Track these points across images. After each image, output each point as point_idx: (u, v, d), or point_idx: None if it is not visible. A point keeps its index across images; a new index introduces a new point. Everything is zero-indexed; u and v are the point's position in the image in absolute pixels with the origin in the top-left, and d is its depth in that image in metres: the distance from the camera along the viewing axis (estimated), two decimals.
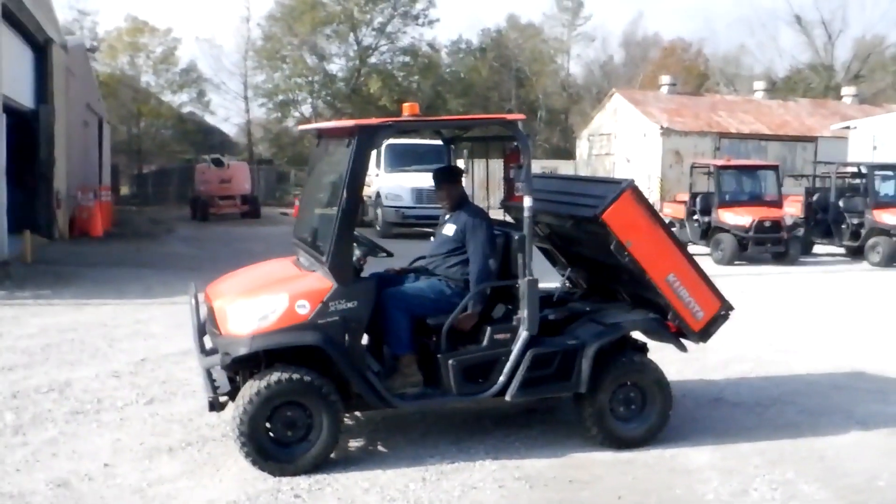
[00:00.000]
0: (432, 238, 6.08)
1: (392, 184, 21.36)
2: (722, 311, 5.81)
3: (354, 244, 5.27)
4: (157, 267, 15.04)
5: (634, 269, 5.61)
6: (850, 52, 57.86)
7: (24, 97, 17.86)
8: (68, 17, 44.42)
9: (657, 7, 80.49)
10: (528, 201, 5.37)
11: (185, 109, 51.22)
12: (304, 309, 5.08)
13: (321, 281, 5.23)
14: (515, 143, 5.76)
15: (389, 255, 5.73)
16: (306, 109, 49.60)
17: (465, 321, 5.44)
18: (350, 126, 5.36)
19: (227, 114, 70.80)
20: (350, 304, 5.12)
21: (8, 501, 4.66)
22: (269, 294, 5.21)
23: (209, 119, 53.40)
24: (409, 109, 5.43)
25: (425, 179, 20.71)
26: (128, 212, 31.88)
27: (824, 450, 5.68)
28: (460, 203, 5.82)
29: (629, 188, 5.49)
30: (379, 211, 21.64)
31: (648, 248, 5.56)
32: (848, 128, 31.92)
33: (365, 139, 5.21)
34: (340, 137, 5.90)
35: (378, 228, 21.49)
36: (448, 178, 5.89)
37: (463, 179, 6.00)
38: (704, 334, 5.83)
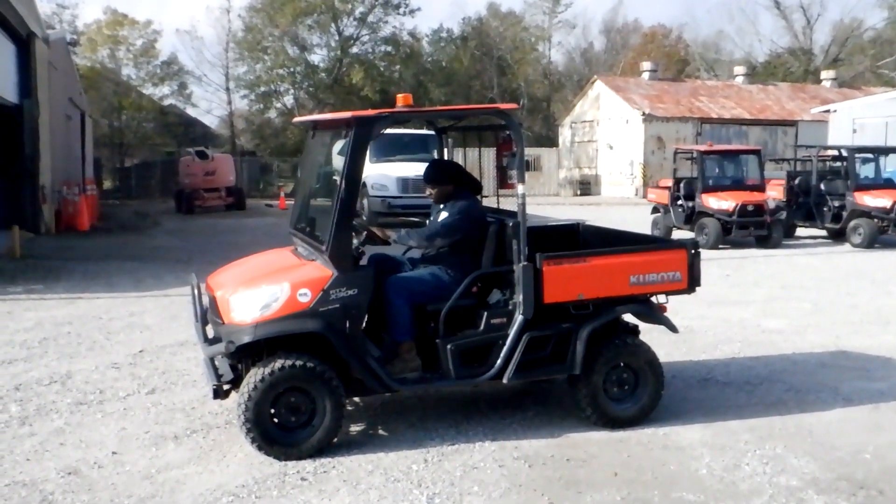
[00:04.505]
0: (427, 224, 6.20)
1: (378, 173, 21.42)
2: (691, 252, 5.81)
3: (353, 233, 5.38)
4: (146, 260, 15.07)
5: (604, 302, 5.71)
6: (829, 36, 58.47)
7: (8, 92, 17.82)
8: (47, 11, 44.17)
9: None
10: (521, 188, 5.50)
11: (167, 102, 50.98)
12: (306, 297, 5.19)
13: (321, 269, 5.35)
14: (508, 132, 5.89)
15: (387, 243, 5.84)
16: (288, 100, 49.59)
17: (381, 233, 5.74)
18: (347, 118, 5.46)
19: (208, 106, 70.55)
20: (350, 292, 5.24)
21: (22, 489, 4.77)
22: (271, 283, 5.32)
23: (191, 111, 53.28)
24: (402, 100, 5.52)
25: (411, 169, 20.97)
26: (112, 206, 31.80)
27: (812, 425, 5.85)
28: (454, 194, 5.94)
29: (543, 263, 5.45)
30: (365, 201, 21.69)
31: (597, 282, 5.59)
32: (828, 111, 32.27)
33: (362, 130, 5.32)
34: (336, 129, 6.01)
35: (364, 218, 21.46)
36: (437, 175, 6.02)
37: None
38: (693, 283, 5.85)
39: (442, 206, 6.00)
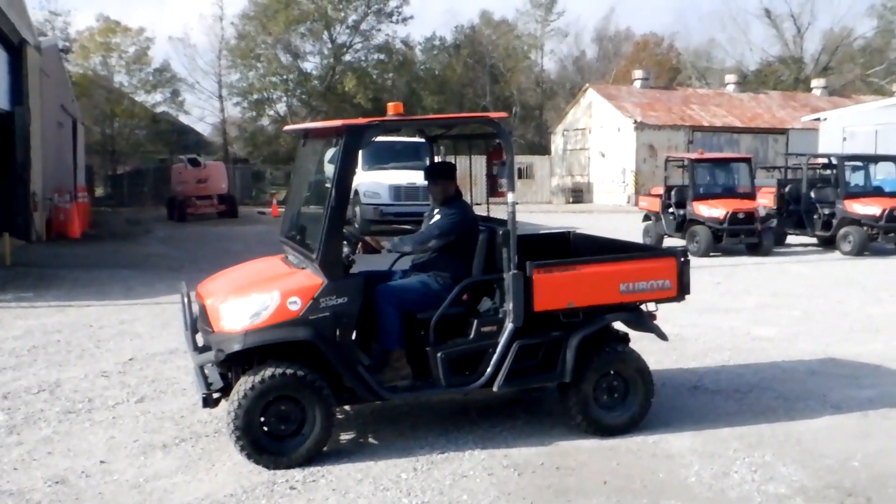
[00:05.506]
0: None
1: (370, 181, 21.41)
2: (681, 260, 5.81)
3: (344, 241, 5.38)
4: (138, 268, 15.04)
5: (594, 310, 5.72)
6: (819, 45, 58.76)
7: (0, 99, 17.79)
8: (39, 18, 44.07)
9: (629, 2, 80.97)
10: (511, 197, 5.52)
11: (159, 109, 50.97)
12: (296, 305, 5.19)
13: (311, 278, 5.34)
14: (498, 141, 5.90)
15: (377, 251, 5.84)
16: (281, 108, 49.60)
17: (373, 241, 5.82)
18: (337, 126, 5.47)
19: (201, 113, 70.67)
20: (340, 300, 5.24)
21: (8, 499, 4.74)
22: (261, 291, 5.32)
23: (183, 119, 53.27)
24: (393, 109, 5.54)
25: (403, 177, 21.00)
26: (104, 213, 31.75)
27: (801, 433, 5.87)
28: (451, 199, 5.94)
29: (533, 271, 5.46)
30: (357, 209, 21.68)
31: (587, 290, 5.59)
32: (818, 119, 32.41)
33: (352, 139, 5.34)
34: (327, 137, 6.02)
35: (356, 226, 21.52)
36: (440, 174, 6.02)
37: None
38: (683, 291, 5.84)
39: (436, 210, 6.00)
